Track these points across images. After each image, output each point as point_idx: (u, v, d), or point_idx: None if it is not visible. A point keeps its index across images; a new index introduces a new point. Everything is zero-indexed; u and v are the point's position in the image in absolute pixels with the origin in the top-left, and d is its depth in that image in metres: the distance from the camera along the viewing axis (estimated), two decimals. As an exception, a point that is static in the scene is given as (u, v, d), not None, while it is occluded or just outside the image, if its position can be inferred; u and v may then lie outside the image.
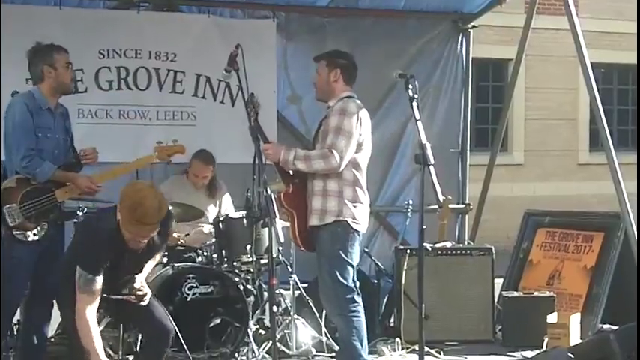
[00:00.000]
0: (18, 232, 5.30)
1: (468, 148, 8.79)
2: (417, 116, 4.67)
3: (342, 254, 5.19)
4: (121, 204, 4.53)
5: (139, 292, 4.78)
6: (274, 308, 4.83)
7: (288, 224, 5.34)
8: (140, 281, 4.82)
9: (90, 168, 5.79)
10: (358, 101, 5.36)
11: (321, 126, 5.43)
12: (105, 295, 4.65)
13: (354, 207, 5.25)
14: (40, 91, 5.48)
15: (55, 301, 5.13)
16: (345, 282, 5.18)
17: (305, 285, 6.46)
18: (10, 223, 5.29)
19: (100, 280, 4.52)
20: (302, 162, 5.20)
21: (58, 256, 5.57)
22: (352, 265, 5.25)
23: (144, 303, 4.79)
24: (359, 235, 5.32)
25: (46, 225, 5.37)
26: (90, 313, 4.51)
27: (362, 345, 5.22)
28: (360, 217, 5.30)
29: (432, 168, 4.53)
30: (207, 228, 6.78)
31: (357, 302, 5.23)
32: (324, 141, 5.25)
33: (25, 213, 5.31)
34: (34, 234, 5.34)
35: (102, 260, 4.55)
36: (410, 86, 4.77)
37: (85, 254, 4.59)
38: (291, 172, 5.30)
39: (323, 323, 6.14)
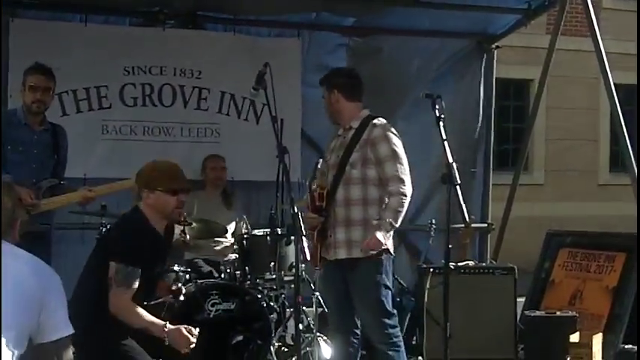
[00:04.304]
0: None
1: (491, 168, 8.79)
2: (444, 136, 4.65)
3: (387, 281, 5.17)
4: (153, 174, 4.53)
5: (173, 288, 4.81)
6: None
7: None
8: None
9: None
10: (384, 120, 5.33)
11: (336, 144, 5.37)
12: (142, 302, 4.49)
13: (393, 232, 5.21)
14: (22, 107, 5.67)
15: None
16: (390, 310, 5.18)
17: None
18: None
19: (139, 273, 4.30)
20: (395, 220, 5.07)
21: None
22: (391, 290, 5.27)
23: (182, 298, 4.83)
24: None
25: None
26: (128, 299, 4.27)
27: None
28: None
29: (458, 187, 4.54)
30: (229, 242, 6.86)
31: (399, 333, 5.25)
32: (377, 167, 5.11)
33: None
34: None
35: (142, 250, 4.34)
36: (437, 106, 4.75)
37: (124, 247, 4.32)
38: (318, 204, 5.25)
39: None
